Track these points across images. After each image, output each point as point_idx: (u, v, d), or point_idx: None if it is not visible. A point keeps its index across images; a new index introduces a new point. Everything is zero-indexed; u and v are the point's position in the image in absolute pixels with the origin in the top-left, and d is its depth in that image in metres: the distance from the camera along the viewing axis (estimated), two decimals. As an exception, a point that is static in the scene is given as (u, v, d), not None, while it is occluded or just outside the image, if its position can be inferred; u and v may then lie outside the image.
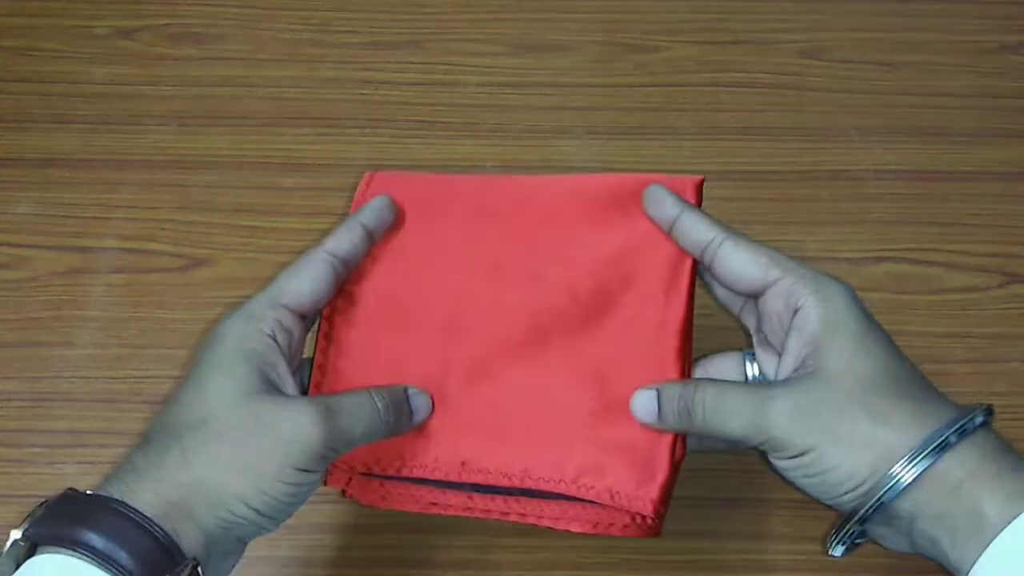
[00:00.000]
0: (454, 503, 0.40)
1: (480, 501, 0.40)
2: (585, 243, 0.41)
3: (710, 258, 0.38)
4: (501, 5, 0.63)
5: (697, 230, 0.38)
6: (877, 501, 0.33)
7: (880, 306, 0.54)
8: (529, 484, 0.38)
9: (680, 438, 0.38)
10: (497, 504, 0.39)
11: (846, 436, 0.34)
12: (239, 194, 0.57)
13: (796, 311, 0.37)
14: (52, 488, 0.49)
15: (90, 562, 0.31)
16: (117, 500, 0.32)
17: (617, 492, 0.37)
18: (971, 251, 0.56)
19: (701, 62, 0.62)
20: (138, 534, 0.32)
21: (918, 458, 0.33)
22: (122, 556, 0.31)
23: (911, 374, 0.36)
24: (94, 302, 0.54)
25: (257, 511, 0.34)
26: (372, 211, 0.41)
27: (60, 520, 0.32)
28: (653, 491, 0.37)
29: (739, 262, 0.38)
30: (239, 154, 0.58)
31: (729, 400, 0.36)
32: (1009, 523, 0.32)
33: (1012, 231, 0.57)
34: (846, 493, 0.34)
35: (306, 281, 0.38)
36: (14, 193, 0.57)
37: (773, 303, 0.38)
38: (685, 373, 0.39)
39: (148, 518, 0.32)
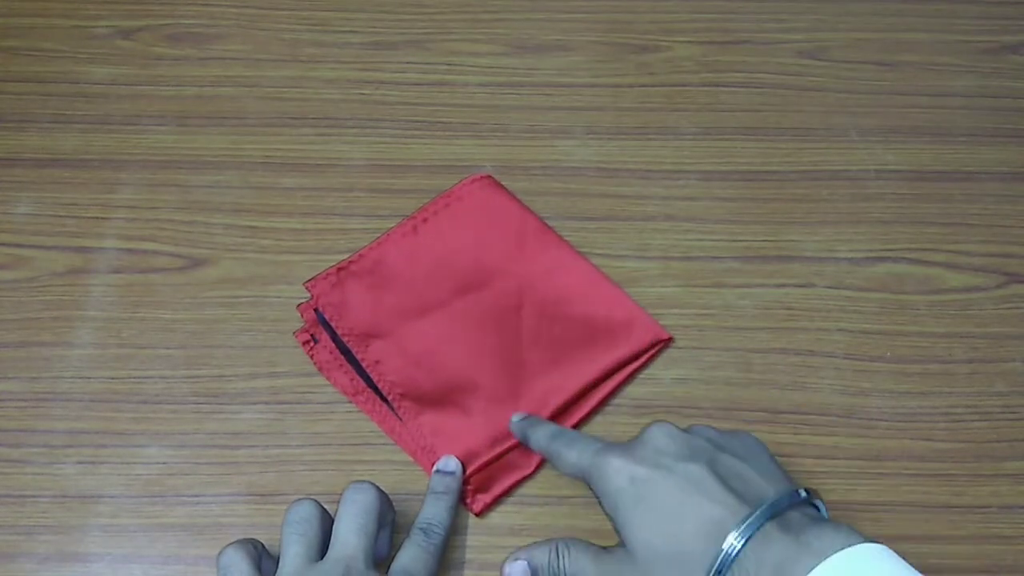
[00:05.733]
0: (344, 387, 0.52)
1: (366, 401, 0.51)
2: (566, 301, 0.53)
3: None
4: (501, 5, 0.63)
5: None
6: None
7: (880, 306, 0.55)
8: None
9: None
10: (376, 408, 0.51)
11: None
12: (239, 194, 0.57)
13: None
14: (51, 488, 0.49)
15: None
16: None
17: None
18: (971, 251, 0.56)
19: (701, 62, 0.62)
20: None
21: None
22: None
23: (680, 529, 0.40)
24: (94, 302, 0.54)
25: None
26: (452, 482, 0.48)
27: None
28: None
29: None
30: (239, 154, 0.58)
31: (580, 564, 0.44)
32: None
33: (1012, 231, 0.57)
34: None
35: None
36: (14, 193, 0.57)
37: None
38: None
39: None
